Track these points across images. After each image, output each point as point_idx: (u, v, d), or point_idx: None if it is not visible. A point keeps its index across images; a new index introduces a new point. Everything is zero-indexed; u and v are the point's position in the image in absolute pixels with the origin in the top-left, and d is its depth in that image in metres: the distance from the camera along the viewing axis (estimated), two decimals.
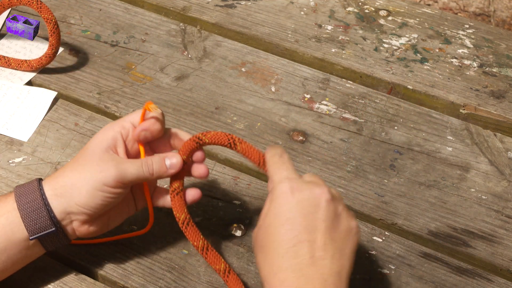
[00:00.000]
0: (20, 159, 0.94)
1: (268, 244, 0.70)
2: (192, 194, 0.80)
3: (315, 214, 0.70)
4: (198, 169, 0.80)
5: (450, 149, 0.97)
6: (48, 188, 0.76)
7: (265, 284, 0.69)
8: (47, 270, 0.83)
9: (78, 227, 0.77)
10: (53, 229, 0.75)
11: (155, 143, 0.81)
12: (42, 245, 0.77)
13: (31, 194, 0.75)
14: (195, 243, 0.79)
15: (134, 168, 0.76)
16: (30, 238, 0.75)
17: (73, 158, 0.78)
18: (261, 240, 0.71)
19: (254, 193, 0.91)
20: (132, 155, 0.79)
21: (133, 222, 0.87)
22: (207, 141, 0.78)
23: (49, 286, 0.81)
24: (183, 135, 0.80)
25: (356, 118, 1.01)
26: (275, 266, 0.68)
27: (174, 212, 0.79)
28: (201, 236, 0.79)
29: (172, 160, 0.78)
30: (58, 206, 0.75)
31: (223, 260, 0.80)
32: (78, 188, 0.75)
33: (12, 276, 0.81)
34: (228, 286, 0.80)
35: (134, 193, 0.81)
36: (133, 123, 0.79)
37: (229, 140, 0.78)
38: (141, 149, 0.78)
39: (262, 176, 0.94)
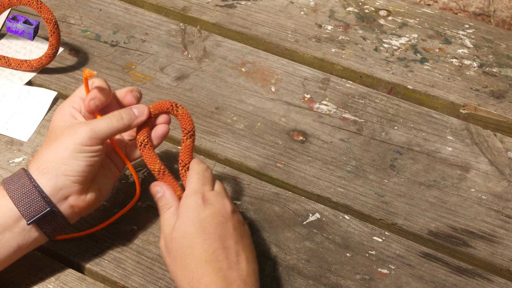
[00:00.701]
0: (20, 159, 0.94)
1: (186, 253, 0.74)
2: (161, 128, 0.83)
3: (226, 223, 0.76)
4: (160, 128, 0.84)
5: (450, 149, 0.97)
6: (34, 169, 0.77)
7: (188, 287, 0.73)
8: (46, 270, 0.83)
9: (75, 201, 0.78)
10: (48, 208, 0.76)
11: (108, 108, 0.83)
12: (42, 231, 0.77)
13: (19, 180, 0.77)
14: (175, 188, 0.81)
15: (104, 122, 0.79)
16: (28, 223, 0.76)
17: (44, 140, 0.81)
18: (177, 250, 0.74)
19: (254, 193, 0.91)
20: None
21: (133, 222, 0.87)
22: (152, 110, 0.82)
23: (49, 286, 0.81)
24: (122, 92, 0.85)
25: (356, 118, 1.01)
26: (199, 272, 0.73)
27: (148, 165, 0.81)
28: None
29: (139, 109, 0.82)
30: (46, 182, 0.76)
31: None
32: (59, 158, 0.77)
33: (12, 276, 0.81)
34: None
35: (111, 156, 0.83)
36: (81, 97, 0.82)
37: (171, 104, 0.82)
38: (98, 116, 0.81)
39: (262, 176, 0.94)
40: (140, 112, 0.81)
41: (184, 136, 0.82)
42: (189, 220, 0.75)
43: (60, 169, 0.76)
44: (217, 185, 0.79)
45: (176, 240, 0.75)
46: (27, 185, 0.76)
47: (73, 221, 0.80)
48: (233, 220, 0.76)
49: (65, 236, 0.84)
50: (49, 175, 0.76)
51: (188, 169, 0.80)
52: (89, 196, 0.79)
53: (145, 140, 0.81)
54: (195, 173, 0.79)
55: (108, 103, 0.82)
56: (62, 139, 0.77)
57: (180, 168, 0.81)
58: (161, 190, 0.79)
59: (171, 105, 0.82)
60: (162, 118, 0.84)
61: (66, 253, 0.84)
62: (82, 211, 0.80)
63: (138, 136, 0.81)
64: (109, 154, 0.83)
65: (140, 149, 0.81)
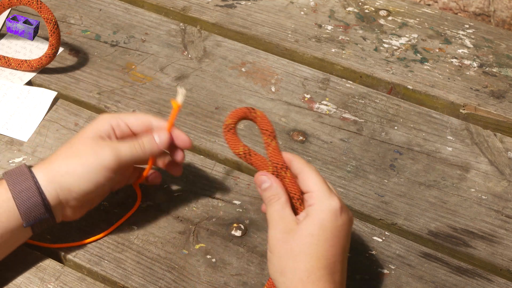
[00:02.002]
0: (20, 159, 0.94)
1: (307, 252, 0.71)
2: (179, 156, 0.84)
3: (348, 237, 0.74)
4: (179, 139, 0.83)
5: (450, 149, 0.97)
6: (41, 175, 0.77)
7: (300, 285, 0.71)
8: (46, 270, 0.83)
9: (68, 212, 0.80)
10: (47, 216, 0.77)
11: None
12: (32, 229, 0.79)
13: (25, 182, 0.76)
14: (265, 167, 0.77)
15: (127, 148, 0.78)
16: (25, 225, 0.76)
17: (65, 145, 0.80)
18: (298, 245, 0.72)
19: (254, 193, 0.91)
20: None
21: (133, 222, 0.87)
22: (259, 115, 0.78)
23: (49, 286, 0.81)
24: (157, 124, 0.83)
25: (356, 118, 1.01)
26: (317, 274, 0.71)
27: (232, 149, 0.77)
28: (267, 162, 0.77)
29: (161, 136, 0.80)
30: (51, 191, 0.77)
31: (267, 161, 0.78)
32: (72, 174, 0.77)
33: (11, 276, 0.81)
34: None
35: None
36: (128, 125, 0.81)
37: (248, 109, 0.78)
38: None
39: None
40: (161, 140, 0.80)
41: (268, 139, 0.77)
42: (324, 223, 0.72)
43: (69, 184, 0.77)
44: (331, 189, 0.77)
45: (301, 235, 0.72)
46: (32, 190, 0.76)
47: (59, 221, 0.81)
48: (350, 234, 0.75)
49: (69, 244, 0.85)
50: (56, 186, 0.77)
51: (287, 169, 0.76)
52: (81, 209, 0.81)
53: (231, 124, 0.76)
54: (316, 174, 0.75)
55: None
56: (83, 156, 0.77)
57: (277, 172, 0.76)
58: (268, 180, 0.75)
59: (248, 110, 0.77)
60: (180, 141, 0.82)
61: (66, 253, 0.84)
62: (70, 218, 0.81)
63: (226, 119, 0.77)
64: None
65: (224, 133, 0.77)
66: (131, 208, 0.88)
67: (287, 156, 0.77)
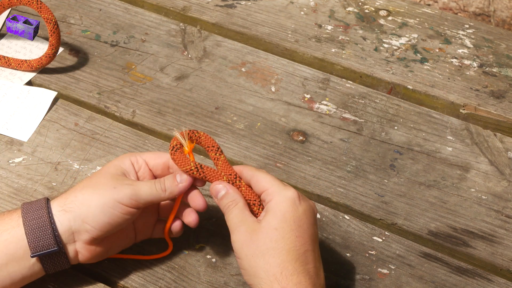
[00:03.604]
0: (20, 159, 0.94)
1: (276, 247, 0.71)
2: (191, 217, 0.81)
3: (315, 225, 0.74)
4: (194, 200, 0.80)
5: (450, 149, 0.97)
6: (56, 205, 0.76)
7: (275, 283, 0.70)
8: None
9: (80, 249, 0.77)
10: (56, 248, 0.75)
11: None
12: (43, 266, 0.77)
13: (38, 211, 0.75)
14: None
15: (147, 187, 0.77)
16: (31, 255, 0.75)
17: (86, 178, 0.79)
18: (265, 242, 0.72)
19: None
20: None
21: None
22: (201, 135, 0.79)
23: (48, 286, 0.81)
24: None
25: (356, 118, 1.01)
26: (289, 268, 0.70)
27: (181, 168, 0.78)
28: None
29: (182, 176, 0.78)
30: (63, 222, 0.75)
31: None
32: (88, 204, 0.75)
33: None
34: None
35: (136, 224, 0.82)
36: (146, 162, 0.80)
37: (193, 132, 0.79)
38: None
39: None
40: (182, 180, 0.78)
41: (215, 154, 0.78)
42: (285, 214, 0.72)
43: (82, 214, 0.75)
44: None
45: (266, 231, 0.72)
46: (44, 219, 0.75)
47: (74, 263, 0.79)
48: (317, 222, 0.75)
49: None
50: (70, 216, 0.75)
51: (240, 179, 0.77)
52: (96, 250, 0.78)
53: (177, 145, 0.78)
54: (267, 174, 0.76)
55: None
56: (101, 188, 0.76)
57: (231, 182, 0.78)
58: (224, 188, 0.76)
59: (191, 132, 0.78)
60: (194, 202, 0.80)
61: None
62: (85, 260, 0.79)
63: (172, 141, 0.78)
64: (136, 221, 0.82)
65: (171, 155, 0.78)
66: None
67: (237, 168, 0.78)
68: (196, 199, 0.79)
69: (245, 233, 0.73)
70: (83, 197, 0.76)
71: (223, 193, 0.76)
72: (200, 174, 0.77)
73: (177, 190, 0.78)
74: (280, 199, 0.73)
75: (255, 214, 0.76)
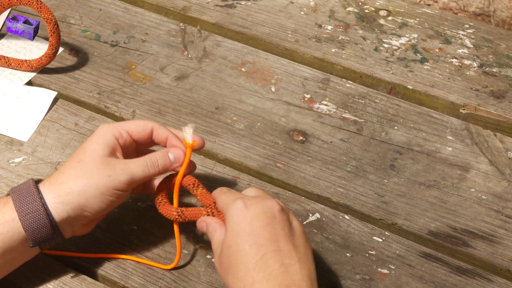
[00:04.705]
0: (20, 159, 0.94)
1: (234, 263, 0.71)
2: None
3: (273, 224, 0.72)
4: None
5: (450, 149, 0.97)
6: (52, 196, 0.76)
7: None
8: (46, 270, 0.82)
9: (77, 229, 0.79)
10: (54, 235, 0.76)
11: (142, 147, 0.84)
12: (40, 247, 0.78)
13: (32, 204, 0.75)
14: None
15: (140, 168, 0.77)
16: (31, 245, 0.76)
17: (73, 161, 0.78)
18: (227, 262, 0.72)
19: None
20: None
21: (133, 222, 0.87)
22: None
23: (48, 286, 0.81)
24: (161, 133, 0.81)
25: (356, 118, 1.01)
26: (248, 280, 0.70)
27: (167, 217, 0.81)
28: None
29: (174, 154, 0.79)
30: (61, 213, 0.76)
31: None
32: (85, 195, 0.76)
33: (11, 276, 0.81)
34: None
35: None
36: (129, 132, 0.80)
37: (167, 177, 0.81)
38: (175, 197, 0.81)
39: (262, 176, 0.94)
40: (175, 158, 0.79)
41: (193, 190, 0.80)
42: (234, 228, 0.72)
43: (82, 205, 0.76)
44: (254, 190, 0.77)
45: (224, 250, 0.73)
46: (40, 212, 0.75)
47: (68, 237, 0.80)
48: (280, 219, 0.73)
49: (82, 255, 0.84)
50: (68, 207, 0.76)
51: (216, 206, 0.79)
52: (92, 225, 0.80)
53: (160, 198, 0.80)
54: (222, 192, 0.78)
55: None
56: (95, 179, 0.76)
57: (212, 212, 0.79)
58: (203, 222, 0.78)
59: (167, 180, 0.80)
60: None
61: (66, 253, 0.84)
62: (80, 234, 0.81)
63: (154, 195, 0.81)
64: None
65: (157, 208, 0.80)
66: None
67: (214, 194, 0.79)
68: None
69: (217, 258, 0.74)
70: (78, 188, 0.76)
71: (205, 227, 0.78)
72: (184, 219, 0.80)
73: (171, 168, 0.79)
74: (229, 215, 0.74)
75: None
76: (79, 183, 0.76)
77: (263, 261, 0.70)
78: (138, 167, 0.77)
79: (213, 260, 0.84)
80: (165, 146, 0.82)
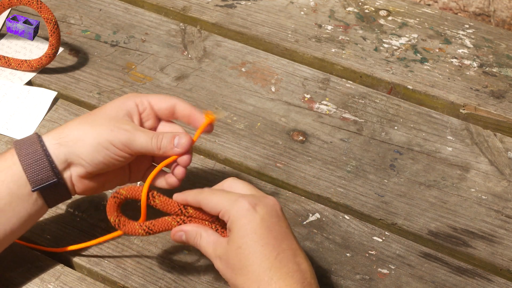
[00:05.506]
0: None
1: (246, 264, 0.70)
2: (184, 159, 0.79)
3: (279, 223, 0.72)
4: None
5: (450, 149, 0.97)
6: (50, 138, 0.76)
7: None
8: (46, 270, 0.83)
9: (76, 181, 0.77)
10: (55, 179, 0.76)
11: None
12: (44, 200, 0.77)
13: (31, 146, 0.75)
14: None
15: (144, 138, 0.76)
16: (32, 189, 0.75)
17: (84, 115, 0.79)
18: (236, 264, 0.71)
19: None
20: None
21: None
22: (124, 193, 0.77)
23: (48, 286, 0.81)
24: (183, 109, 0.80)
25: (356, 118, 1.01)
26: (265, 279, 0.69)
27: (130, 234, 0.78)
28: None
29: (181, 140, 0.77)
30: (59, 155, 0.75)
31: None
32: (83, 141, 0.75)
33: (12, 276, 0.81)
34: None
35: (130, 165, 0.82)
36: (151, 104, 0.79)
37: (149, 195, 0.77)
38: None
39: (262, 176, 0.94)
40: (179, 144, 0.77)
41: (151, 201, 0.77)
42: (243, 229, 0.71)
43: (78, 150, 0.75)
44: (239, 184, 0.76)
45: (232, 252, 0.71)
46: (39, 152, 0.75)
47: (73, 194, 0.79)
48: (283, 217, 0.73)
49: (71, 248, 0.84)
50: (65, 150, 0.75)
51: (185, 207, 0.76)
52: (90, 184, 0.78)
53: (117, 220, 0.77)
54: (211, 193, 0.75)
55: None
56: (98, 128, 0.76)
57: (180, 218, 0.77)
58: (180, 232, 0.76)
59: (118, 193, 0.77)
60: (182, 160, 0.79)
61: (66, 253, 0.84)
62: (80, 192, 0.79)
63: (109, 218, 0.77)
64: (131, 163, 0.81)
65: (116, 226, 0.77)
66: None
67: (180, 197, 0.76)
68: (177, 170, 0.79)
69: (221, 259, 0.73)
70: (78, 133, 0.76)
71: (184, 236, 0.76)
72: (152, 234, 0.77)
73: (171, 153, 0.77)
74: (235, 216, 0.71)
75: (221, 232, 0.76)
76: (80, 129, 0.76)
77: (278, 261, 0.70)
78: (141, 136, 0.76)
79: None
80: (187, 123, 0.80)
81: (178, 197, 0.77)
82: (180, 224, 0.77)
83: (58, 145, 0.76)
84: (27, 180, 0.75)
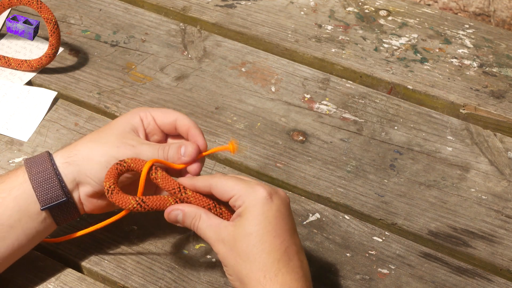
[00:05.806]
0: (20, 159, 0.94)
1: (255, 252, 0.70)
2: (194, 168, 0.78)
3: (290, 217, 0.73)
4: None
5: (450, 149, 0.97)
6: (60, 157, 0.77)
7: (259, 287, 0.69)
8: (46, 270, 0.83)
9: (85, 200, 0.78)
10: (64, 198, 0.76)
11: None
12: (53, 218, 0.77)
13: (42, 164, 0.76)
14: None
15: (150, 151, 0.76)
16: (41, 208, 0.75)
17: (93, 132, 0.79)
18: (244, 250, 0.70)
19: None
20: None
21: (133, 222, 0.87)
22: (128, 162, 0.75)
23: (49, 286, 0.81)
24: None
25: (356, 118, 1.01)
26: (273, 270, 0.69)
27: (122, 206, 0.75)
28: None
29: (187, 148, 0.77)
30: (68, 174, 0.76)
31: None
32: (91, 159, 0.76)
33: (12, 276, 0.81)
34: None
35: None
36: (154, 118, 0.79)
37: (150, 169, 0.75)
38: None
39: (262, 176, 0.94)
40: (186, 153, 0.77)
41: (151, 174, 0.75)
42: (258, 217, 0.71)
43: (86, 169, 0.76)
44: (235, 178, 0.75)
45: (243, 238, 0.71)
46: (49, 171, 0.75)
47: (82, 213, 0.79)
48: (292, 212, 0.73)
49: (63, 238, 0.83)
50: (73, 168, 0.76)
51: (185, 189, 0.75)
52: (98, 202, 0.78)
53: (111, 187, 0.74)
54: (226, 178, 0.74)
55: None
56: (105, 146, 0.76)
57: (178, 198, 0.75)
58: (177, 210, 0.75)
59: (118, 165, 0.75)
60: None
61: (66, 253, 0.84)
62: (89, 211, 0.79)
63: (105, 184, 0.75)
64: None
65: (109, 197, 0.75)
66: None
67: (187, 181, 0.75)
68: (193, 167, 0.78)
69: (224, 243, 0.72)
70: (86, 152, 0.76)
71: (181, 216, 0.75)
72: (145, 208, 0.75)
73: (179, 162, 0.77)
74: (251, 202, 0.71)
75: (220, 215, 0.75)
76: (88, 147, 0.77)
77: (286, 254, 0.70)
78: (147, 149, 0.77)
79: (213, 260, 0.84)
80: (186, 138, 0.79)
81: (185, 181, 0.76)
82: (177, 203, 0.75)
83: (67, 164, 0.76)
84: (36, 198, 0.75)
